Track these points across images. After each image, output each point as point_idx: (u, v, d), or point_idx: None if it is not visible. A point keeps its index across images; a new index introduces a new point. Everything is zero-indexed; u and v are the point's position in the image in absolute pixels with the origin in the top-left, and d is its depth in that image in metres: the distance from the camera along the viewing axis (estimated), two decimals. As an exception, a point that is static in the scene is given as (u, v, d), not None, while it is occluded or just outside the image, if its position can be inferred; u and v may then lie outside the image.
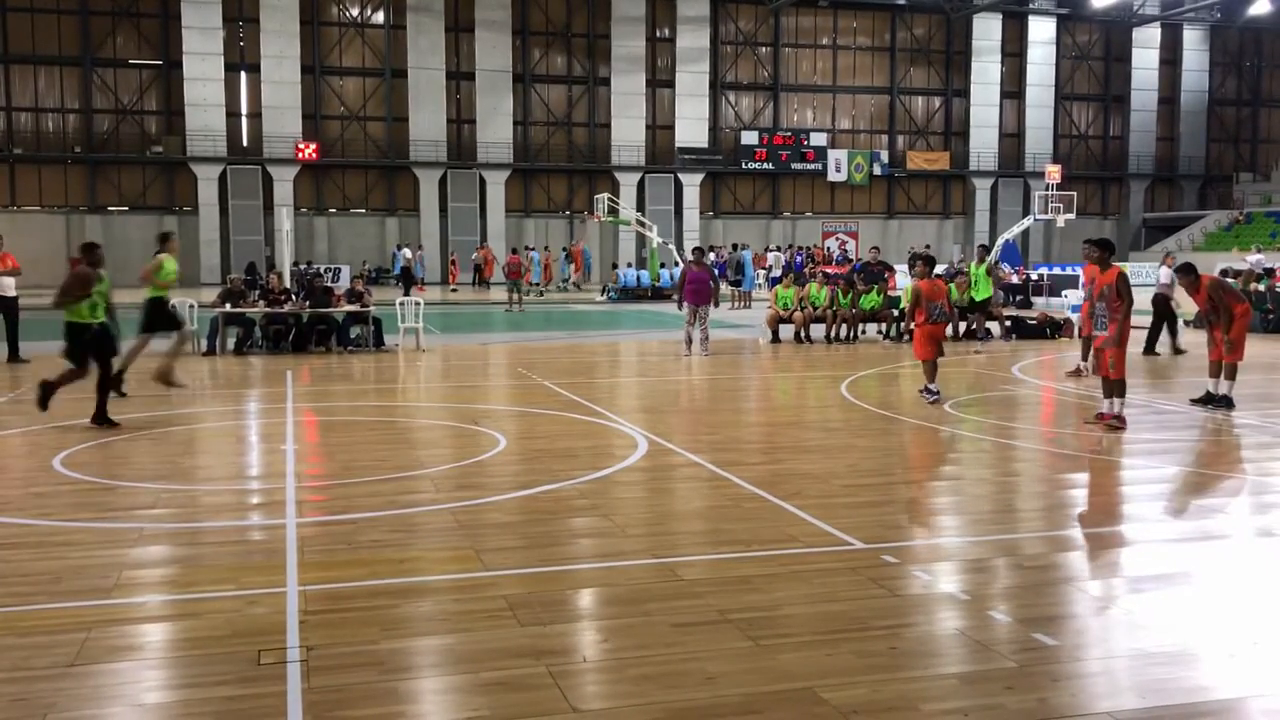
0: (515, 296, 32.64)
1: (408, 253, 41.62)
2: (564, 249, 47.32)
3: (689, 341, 19.73)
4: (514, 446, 10.59)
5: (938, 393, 13.37)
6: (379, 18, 49.95)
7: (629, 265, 42.59)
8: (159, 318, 14.31)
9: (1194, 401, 13.12)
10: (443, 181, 49.95)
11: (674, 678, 4.86)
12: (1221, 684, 4.88)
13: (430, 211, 49.91)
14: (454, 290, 41.85)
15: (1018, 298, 31.47)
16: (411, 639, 5.38)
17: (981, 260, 22.09)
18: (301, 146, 47.41)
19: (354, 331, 20.49)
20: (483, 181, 50.33)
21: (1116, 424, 11.24)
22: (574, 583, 6.32)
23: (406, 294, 31.10)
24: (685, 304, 19.64)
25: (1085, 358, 15.86)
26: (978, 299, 21.82)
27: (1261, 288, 25.46)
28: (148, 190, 47.93)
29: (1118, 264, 11.62)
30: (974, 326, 22.45)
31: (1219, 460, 10.10)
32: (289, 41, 47.46)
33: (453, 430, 11.88)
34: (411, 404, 14.12)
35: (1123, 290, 11.08)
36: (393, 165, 49.93)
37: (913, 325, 13.74)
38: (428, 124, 49.41)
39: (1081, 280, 16.27)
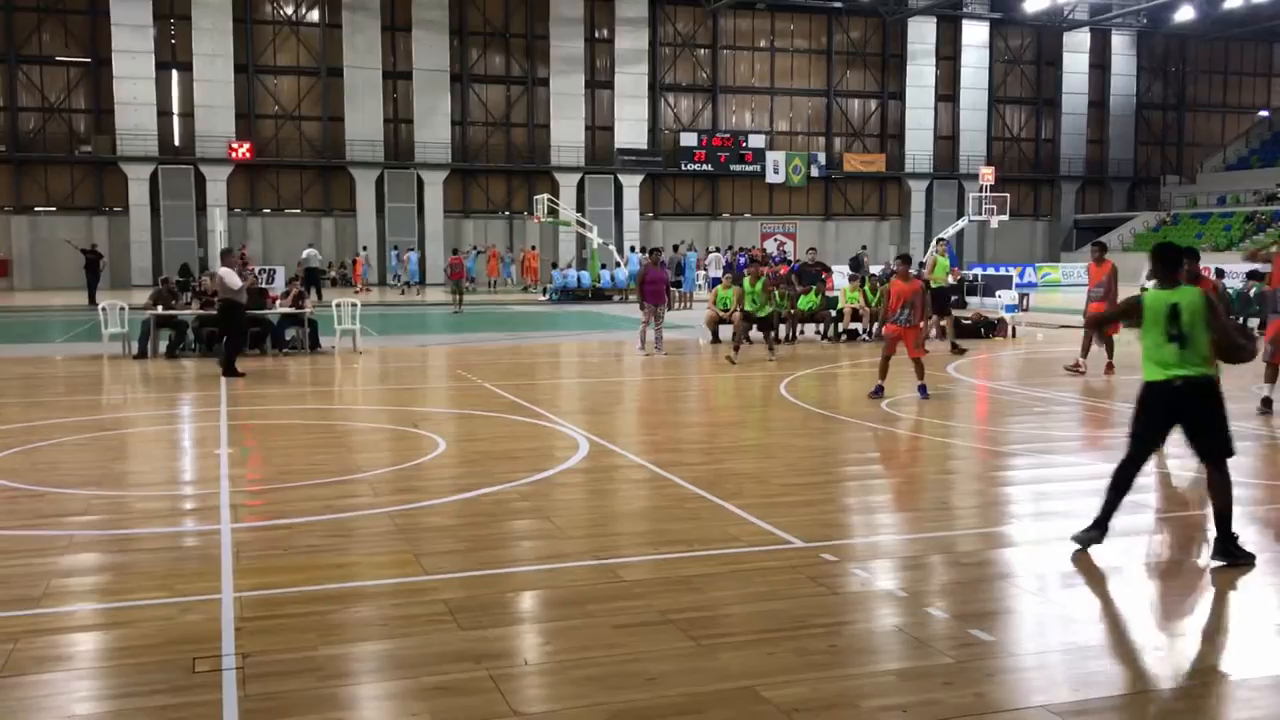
0: (457, 298, 32.41)
1: (315, 253, 40.69)
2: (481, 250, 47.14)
3: (643, 340, 19.75)
4: (454, 449, 10.53)
5: (879, 389, 13.81)
6: (314, 16, 49.35)
7: (569, 266, 42.50)
8: None
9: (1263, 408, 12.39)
10: (379, 182, 49.48)
11: (616, 679, 4.86)
12: (1150, 675, 4.98)
13: (367, 212, 49.41)
14: (356, 291, 40.69)
15: (953, 298, 31.78)
16: (350, 644, 5.33)
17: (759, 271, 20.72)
18: (235, 146, 46.69)
19: (289, 333, 20.23)
20: (420, 182, 49.94)
21: None
22: (515, 585, 6.29)
23: (319, 297, 30.65)
24: (645, 304, 19.70)
25: (1086, 353, 16.68)
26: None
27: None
28: (76, 190, 46.89)
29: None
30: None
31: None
32: (222, 39, 46.69)
33: (391, 433, 11.78)
34: (349, 407, 13.98)
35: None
36: (329, 165, 49.36)
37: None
38: (364, 124, 48.89)
39: (1088, 281, 17.21)
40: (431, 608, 5.81)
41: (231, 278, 16.55)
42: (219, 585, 6.19)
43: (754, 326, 20.23)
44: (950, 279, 33.74)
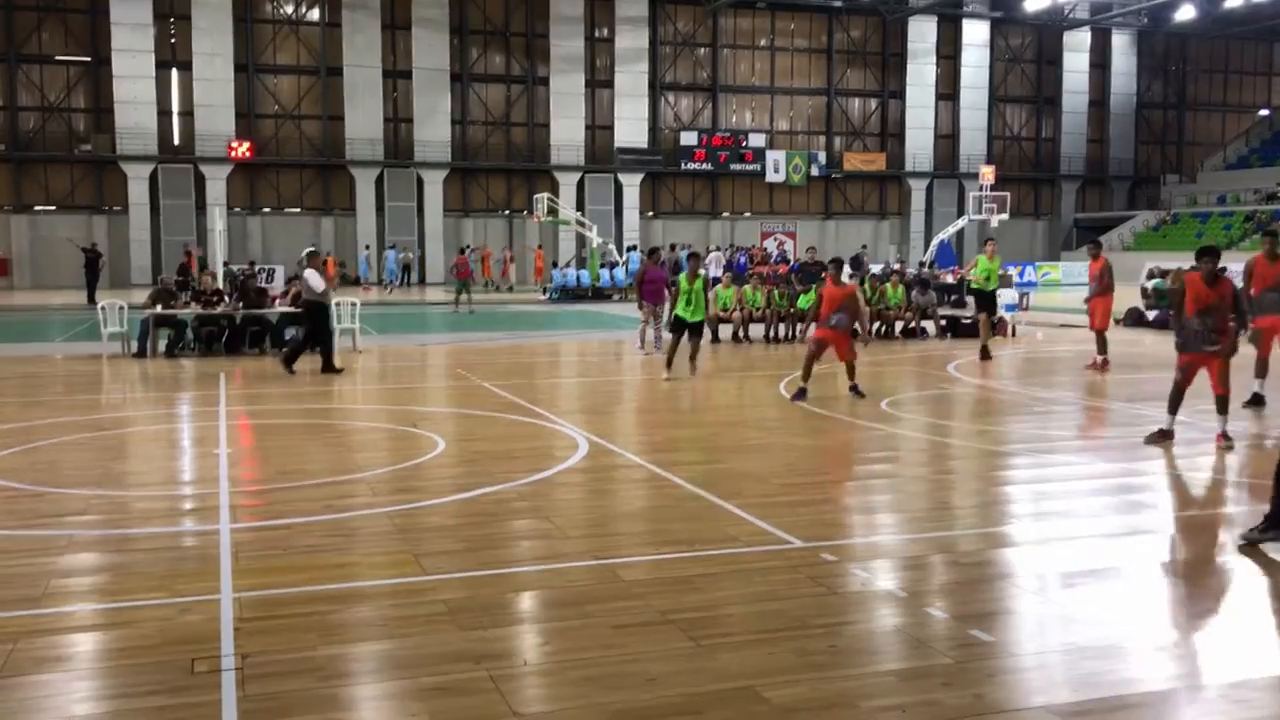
0: (465, 297, 32.31)
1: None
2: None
3: (643, 340, 19.75)
4: (453, 449, 10.52)
5: (802, 391, 13.62)
6: (314, 15, 49.34)
7: (568, 265, 42.48)
8: None
9: (1245, 405, 12.41)
10: (379, 181, 49.47)
11: (615, 679, 4.86)
12: (1150, 676, 4.97)
13: (367, 211, 49.41)
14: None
15: (953, 297, 31.83)
16: (349, 645, 5.32)
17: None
18: (234, 145, 46.68)
19: (289, 333, 20.20)
20: (420, 181, 49.94)
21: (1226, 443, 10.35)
22: (514, 585, 6.29)
23: None
24: (644, 303, 19.65)
25: (1101, 351, 16.71)
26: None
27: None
28: (76, 189, 46.89)
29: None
30: (913, 326, 22.70)
31: (1148, 456, 10.29)
32: (221, 39, 46.68)
33: (390, 433, 11.78)
34: (348, 406, 13.97)
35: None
36: (328, 164, 49.35)
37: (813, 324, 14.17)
38: (364, 123, 48.89)
39: (1088, 275, 17.43)
40: (431, 608, 5.80)
41: (315, 279, 16.89)
42: (218, 586, 6.18)
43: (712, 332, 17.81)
44: (950, 278, 33.79)
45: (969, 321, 23.17)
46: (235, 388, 15.29)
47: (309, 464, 9.76)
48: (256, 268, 37.87)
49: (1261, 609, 6.02)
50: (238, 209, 47.79)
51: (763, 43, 55.71)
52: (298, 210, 49.80)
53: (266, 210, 49.32)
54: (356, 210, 49.42)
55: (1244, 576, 6.56)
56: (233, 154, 46.74)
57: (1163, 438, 10.54)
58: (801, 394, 13.59)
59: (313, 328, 16.95)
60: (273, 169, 49.08)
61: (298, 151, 49.38)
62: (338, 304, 20.49)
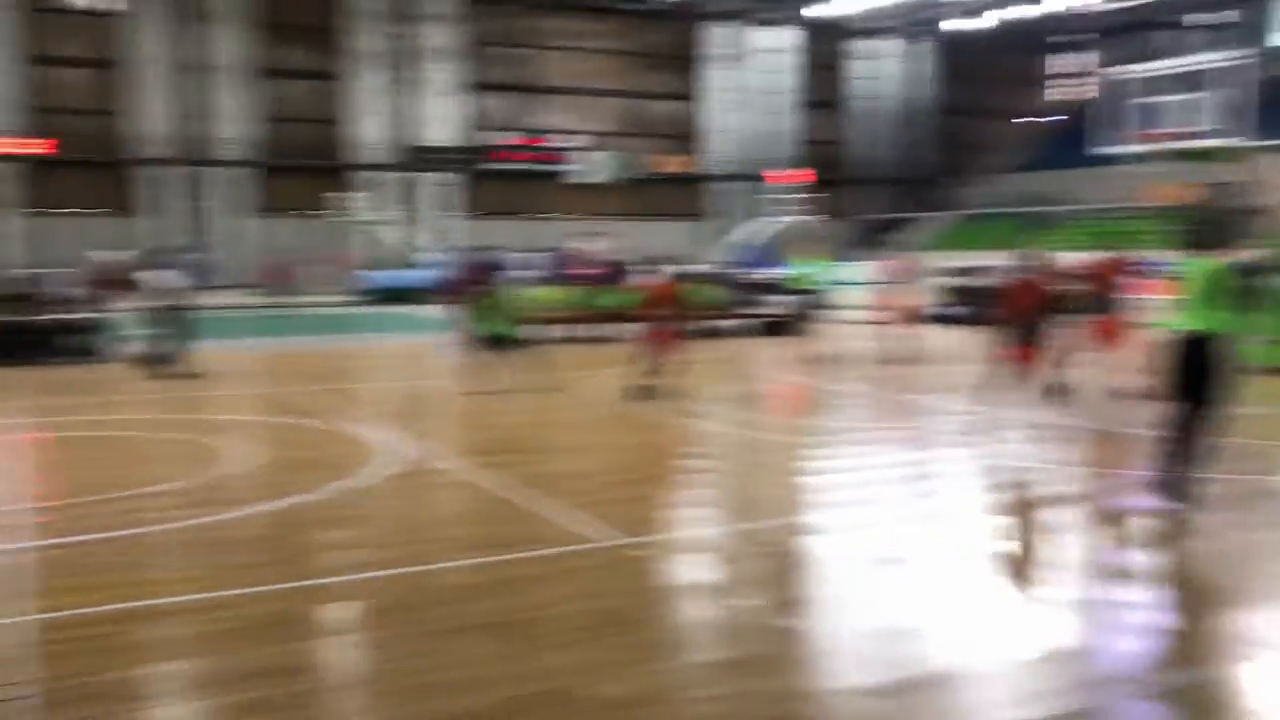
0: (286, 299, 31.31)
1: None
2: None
3: (451, 343, 19.47)
4: (260, 458, 10.17)
5: (649, 389, 13.43)
6: (104, 4, 46.78)
7: (375, 266, 41.55)
8: None
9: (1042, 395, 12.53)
10: (174, 180, 47.31)
11: (434, 687, 4.80)
12: (955, 655, 5.23)
13: (161, 211, 47.15)
14: None
15: (759, 297, 32.48)
16: (153, 665, 5.10)
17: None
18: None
19: (70, 341, 18.99)
20: (219, 180, 48.02)
21: None
22: (325, 597, 6.13)
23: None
24: (453, 305, 19.32)
25: (904, 346, 17.32)
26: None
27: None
28: None
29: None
30: (721, 325, 23.17)
31: (947, 445, 10.81)
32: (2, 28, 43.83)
33: (189, 444, 11.29)
34: (141, 417, 13.30)
35: None
36: (113, 163, 46.86)
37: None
38: (156, 117, 46.68)
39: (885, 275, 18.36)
40: (236, 624, 5.60)
41: (173, 278, 16.95)
42: (7, 608, 5.81)
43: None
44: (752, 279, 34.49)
45: (776, 320, 23.76)
46: (11, 400, 14.35)
47: (101, 478, 9.24)
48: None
49: (1063, 587, 6.41)
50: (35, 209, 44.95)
51: (574, 44, 55.96)
52: (91, 211, 47.08)
53: (59, 211, 46.49)
54: (144, 211, 47.11)
55: (1046, 558, 6.97)
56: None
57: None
58: (647, 392, 13.30)
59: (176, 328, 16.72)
60: (64, 166, 46.24)
61: (93, 149, 46.62)
62: (127, 311, 19.49)
